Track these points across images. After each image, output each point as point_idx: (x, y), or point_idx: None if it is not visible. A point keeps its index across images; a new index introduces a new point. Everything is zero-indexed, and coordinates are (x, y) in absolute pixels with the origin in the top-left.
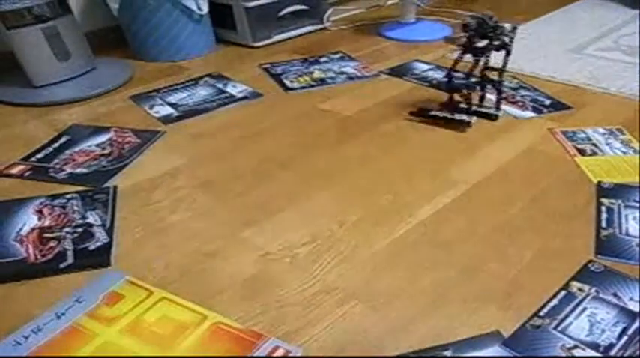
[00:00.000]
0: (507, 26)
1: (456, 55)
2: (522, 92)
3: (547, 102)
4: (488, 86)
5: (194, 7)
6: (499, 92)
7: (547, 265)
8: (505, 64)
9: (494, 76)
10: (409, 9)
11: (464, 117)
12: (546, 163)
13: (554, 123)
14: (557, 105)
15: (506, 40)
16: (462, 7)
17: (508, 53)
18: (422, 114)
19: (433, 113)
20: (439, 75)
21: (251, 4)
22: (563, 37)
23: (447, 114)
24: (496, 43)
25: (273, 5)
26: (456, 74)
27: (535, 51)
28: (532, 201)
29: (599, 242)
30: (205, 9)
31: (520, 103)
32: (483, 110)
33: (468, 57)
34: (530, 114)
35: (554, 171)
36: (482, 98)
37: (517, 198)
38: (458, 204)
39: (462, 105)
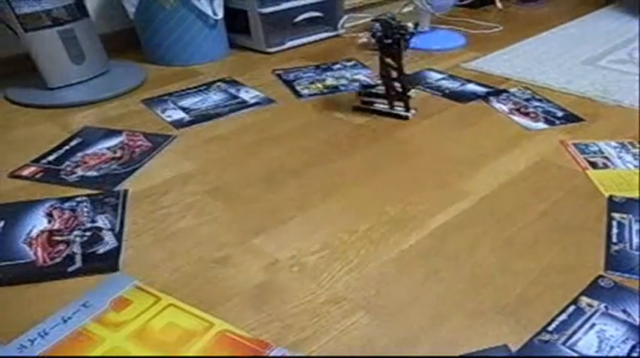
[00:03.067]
0: (410, 25)
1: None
2: (535, 103)
3: (559, 113)
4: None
5: (209, 12)
6: (403, 89)
7: (556, 279)
8: (400, 60)
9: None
10: (424, 17)
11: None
12: (557, 176)
13: (566, 135)
14: (569, 117)
15: (403, 37)
16: (475, 16)
17: (400, 47)
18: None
19: (377, 107)
20: (452, 84)
21: (266, 10)
22: (577, 49)
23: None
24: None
25: (288, 11)
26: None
27: (548, 62)
28: (542, 214)
29: (609, 257)
30: (220, 14)
31: (532, 114)
32: (393, 111)
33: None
34: (542, 125)
35: (565, 184)
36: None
37: (527, 211)
38: (468, 215)
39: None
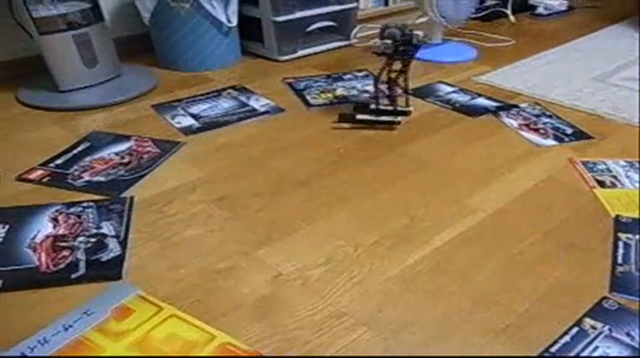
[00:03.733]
0: (420, 33)
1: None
2: (544, 119)
3: (569, 130)
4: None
5: (224, 19)
6: (405, 91)
7: (561, 299)
8: (409, 66)
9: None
10: (437, 30)
11: (390, 118)
12: (565, 194)
13: (575, 152)
14: (578, 135)
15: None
16: (488, 29)
17: (414, 53)
18: (348, 120)
19: (360, 117)
20: (462, 98)
21: (280, 19)
22: (588, 65)
23: (372, 118)
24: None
25: (302, 20)
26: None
27: (559, 78)
28: (549, 233)
29: (614, 278)
30: (235, 21)
31: (542, 131)
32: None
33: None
34: (551, 142)
35: (572, 203)
36: (393, 99)
37: (534, 229)
38: (474, 232)
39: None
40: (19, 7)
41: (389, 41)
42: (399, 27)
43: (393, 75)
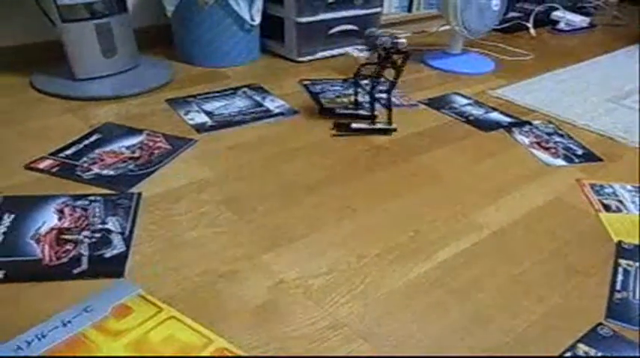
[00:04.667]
0: (404, 41)
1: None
2: (556, 138)
3: (579, 151)
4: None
5: (247, 17)
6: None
7: (557, 323)
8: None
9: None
10: (457, 40)
11: (386, 126)
12: (570, 216)
13: (583, 174)
14: (588, 156)
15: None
16: (507, 42)
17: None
18: (344, 130)
19: (355, 126)
20: (477, 111)
21: (304, 20)
22: (603, 85)
23: (368, 126)
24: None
25: (324, 22)
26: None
27: (574, 96)
28: (551, 255)
29: (611, 304)
30: (258, 20)
31: (552, 150)
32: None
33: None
34: (561, 162)
35: (576, 226)
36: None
37: (537, 250)
38: (478, 249)
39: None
40: None
41: (388, 46)
42: (389, 35)
43: (381, 87)
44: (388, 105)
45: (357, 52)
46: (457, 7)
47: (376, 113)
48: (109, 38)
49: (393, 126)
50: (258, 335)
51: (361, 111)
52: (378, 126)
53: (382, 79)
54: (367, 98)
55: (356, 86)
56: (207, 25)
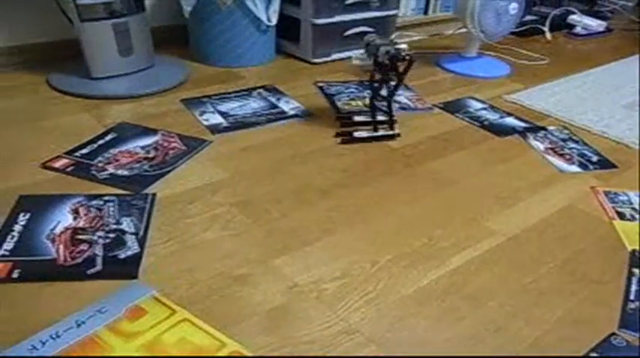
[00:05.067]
0: (405, 47)
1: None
2: (571, 144)
3: (594, 158)
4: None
5: (264, 18)
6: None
7: (570, 332)
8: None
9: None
10: (473, 43)
11: (388, 132)
12: (584, 224)
13: (597, 181)
14: (603, 163)
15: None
16: (523, 45)
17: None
18: (348, 138)
19: (357, 135)
20: (492, 116)
21: (320, 21)
22: (619, 91)
23: (372, 134)
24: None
25: (341, 24)
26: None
27: (590, 102)
28: (564, 263)
29: (624, 314)
30: (274, 20)
31: (567, 156)
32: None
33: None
34: (575, 168)
35: (590, 233)
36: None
37: (550, 257)
38: (491, 255)
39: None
40: None
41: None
42: (387, 42)
43: (383, 94)
44: (389, 112)
45: (360, 60)
46: (474, 11)
47: (394, 118)
48: (126, 37)
49: (396, 131)
50: (271, 339)
51: (378, 117)
52: (381, 132)
53: (390, 86)
54: (384, 102)
55: (373, 91)
56: (224, 26)
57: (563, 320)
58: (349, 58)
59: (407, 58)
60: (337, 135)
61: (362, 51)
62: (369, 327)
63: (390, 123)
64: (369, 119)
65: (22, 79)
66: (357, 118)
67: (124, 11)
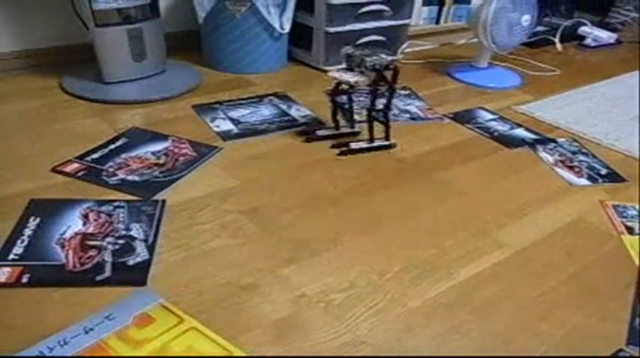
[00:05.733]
0: (390, 57)
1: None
2: (580, 157)
3: (603, 171)
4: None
5: (277, 25)
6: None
7: (577, 347)
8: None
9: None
10: (484, 53)
11: (384, 142)
12: (592, 238)
13: (607, 195)
14: (612, 176)
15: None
16: (533, 56)
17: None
18: (345, 150)
19: (354, 146)
20: (501, 127)
21: (333, 30)
22: (629, 103)
23: (369, 145)
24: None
25: (353, 33)
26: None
27: (600, 114)
28: (572, 277)
29: (632, 330)
30: (287, 28)
31: (577, 169)
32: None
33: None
34: (584, 182)
35: (599, 248)
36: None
37: (558, 271)
38: (499, 268)
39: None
40: None
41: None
42: (369, 53)
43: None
44: (386, 122)
45: (343, 73)
46: (487, 22)
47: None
48: (140, 43)
49: (392, 141)
50: (278, 349)
51: (346, 130)
52: (377, 143)
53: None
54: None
55: (334, 105)
56: (237, 33)
57: (571, 335)
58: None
59: (391, 67)
60: (333, 147)
61: (342, 65)
62: (377, 338)
63: (386, 132)
64: (333, 132)
65: (36, 82)
66: (319, 133)
67: (139, 17)
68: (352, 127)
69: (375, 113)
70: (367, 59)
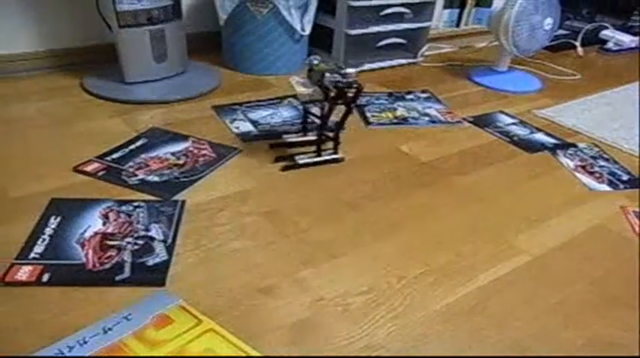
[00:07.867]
0: (352, 71)
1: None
2: (601, 162)
3: (625, 177)
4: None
5: (298, 27)
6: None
7: (597, 355)
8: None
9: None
10: (504, 57)
11: (332, 156)
12: (613, 244)
13: (627, 201)
14: (634, 182)
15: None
16: (554, 60)
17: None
18: (291, 164)
19: (301, 162)
20: (521, 131)
21: (353, 32)
22: None
23: (315, 159)
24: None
25: (374, 35)
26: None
27: (621, 119)
28: (592, 283)
29: None
30: (308, 30)
31: (597, 174)
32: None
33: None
34: (605, 187)
35: (619, 254)
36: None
37: (578, 278)
38: (518, 274)
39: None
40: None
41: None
42: (333, 67)
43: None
44: (336, 138)
45: (301, 85)
46: (509, 25)
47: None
48: (161, 44)
49: (339, 155)
50: (295, 352)
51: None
52: (324, 157)
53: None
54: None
55: (305, 116)
56: (258, 34)
57: (591, 344)
58: (381, 68)
59: (355, 86)
60: (277, 160)
61: (302, 76)
62: (394, 344)
63: (335, 146)
64: (300, 139)
65: (58, 82)
66: (286, 137)
67: (162, 18)
68: (320, 136)
69: (325, 129)
70: (327, 77)
